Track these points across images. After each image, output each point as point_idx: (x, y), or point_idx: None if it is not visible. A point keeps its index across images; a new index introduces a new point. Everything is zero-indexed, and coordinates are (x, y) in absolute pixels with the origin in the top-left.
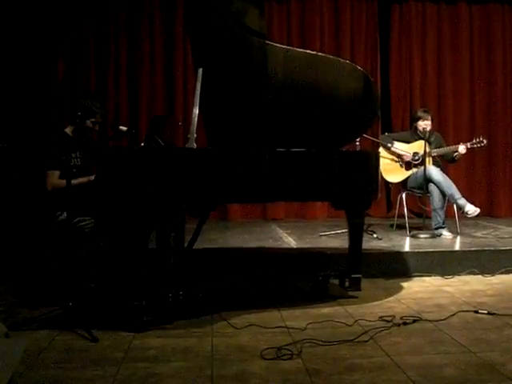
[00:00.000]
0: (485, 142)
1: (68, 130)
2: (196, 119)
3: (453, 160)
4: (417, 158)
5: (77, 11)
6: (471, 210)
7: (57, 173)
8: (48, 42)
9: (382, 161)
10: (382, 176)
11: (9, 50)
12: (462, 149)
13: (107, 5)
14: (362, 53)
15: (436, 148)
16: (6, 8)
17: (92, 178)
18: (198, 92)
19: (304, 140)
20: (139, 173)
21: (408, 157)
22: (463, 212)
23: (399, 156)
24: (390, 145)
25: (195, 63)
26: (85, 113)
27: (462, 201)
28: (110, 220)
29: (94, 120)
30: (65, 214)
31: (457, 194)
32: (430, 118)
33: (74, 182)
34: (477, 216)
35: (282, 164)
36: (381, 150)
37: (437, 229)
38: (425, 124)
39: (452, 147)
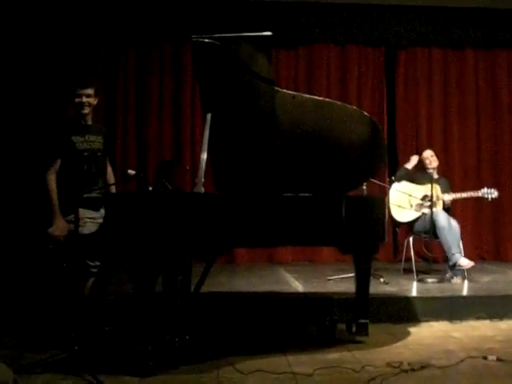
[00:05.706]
0: (496, 193)
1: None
2: (204, 164)
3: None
4: (427, 200)
5: (86, 51)
6: (464, 262)
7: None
8: (57, 84)
9: (393, 197)
10: (390, 216)
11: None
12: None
13: (116, 48)
14: (369, 99)
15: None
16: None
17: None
18: (206, 137)
19: (311, 185)
20: (147, 217)
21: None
22: (455, 265)
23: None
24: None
25: (204, 108)
26: (71, 97)
27: (457, 256)
28: (117, 263)
29: (77, 93)
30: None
31: (454, 248)
32: (432, 153)
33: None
34: (483, 259)
35: (289, 209)
36: (393, 186)
37: (454, 265)
38: (429, 160)
39: (468, 193)
